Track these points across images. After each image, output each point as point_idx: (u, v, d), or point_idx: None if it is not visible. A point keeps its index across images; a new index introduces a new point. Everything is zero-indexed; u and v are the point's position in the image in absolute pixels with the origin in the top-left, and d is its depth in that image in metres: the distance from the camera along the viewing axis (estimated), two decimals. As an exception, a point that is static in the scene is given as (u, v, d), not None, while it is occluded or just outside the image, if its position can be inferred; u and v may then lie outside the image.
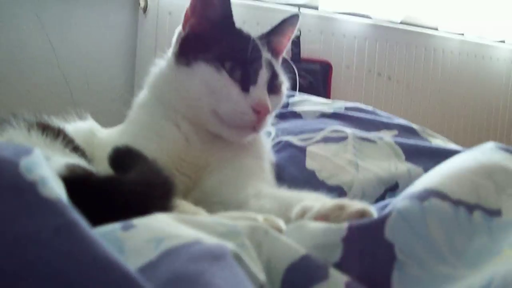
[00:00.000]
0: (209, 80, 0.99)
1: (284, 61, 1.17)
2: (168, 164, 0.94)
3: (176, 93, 1.04)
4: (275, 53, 1.11)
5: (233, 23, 1.06)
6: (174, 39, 1.08)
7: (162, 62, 1.10)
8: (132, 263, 0.45)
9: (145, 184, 0.69)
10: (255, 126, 1.00)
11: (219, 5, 1.03)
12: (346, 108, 1.50)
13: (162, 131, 1.02)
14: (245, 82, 0.99)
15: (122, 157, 0.81)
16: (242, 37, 1.05)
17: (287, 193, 0.89)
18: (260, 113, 0.98)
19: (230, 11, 1.05)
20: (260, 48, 1.04)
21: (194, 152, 1.02)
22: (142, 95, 1.12)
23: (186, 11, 1.05)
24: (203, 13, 1.03)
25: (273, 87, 1.05)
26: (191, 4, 1.04)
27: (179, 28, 1.07)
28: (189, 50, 1.03)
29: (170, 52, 1.09)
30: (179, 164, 1.00)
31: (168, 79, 1.06)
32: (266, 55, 1.05)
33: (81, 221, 0.42)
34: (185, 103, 1.03)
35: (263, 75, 1.01)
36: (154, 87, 1.10)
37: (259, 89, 1.00)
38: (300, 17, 1.15)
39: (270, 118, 1.05)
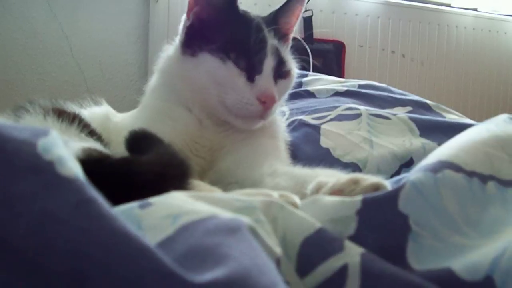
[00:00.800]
0: (215, 71, 0.98)
1: (297, 42, 1.16)
2: (182, 147, 0.95)
3: (183, 82, 1.04)
4: (283, 35, 1.09)
5: (237, 8, 1.04)
6: (180, 27, 1.07)
7: (170, 49, 1.10)
8: (150, 239, 0.46)
9: (161, 164, 0.70)
10: (262, 114, 0.99)
11: None
12: (360, 86, 1.50)
13: (175, 115, 1.03)
14: (250, 72, 0.98)
15: (139, 140, 0.81)
16: (247, 24, 1.02)
17: (302, 171, 0.89)
18: (265, 103, 0.97)
19: None
20: (265, 34, 1.02)
21: (207, 134, 1.02)
22: (153, 80, 1.13)
23: None
24: (206, 0, 1.02)
25: (281, 73, 1.04)
26: None
27: (184, 16, 1.06)
28: (194, 39, 1.02)
29: (177, 39, 1.08)
30: (193, 146, 1.00)
31: (175, 68, 1.06)
32: (272, 41, 1.03)
33: (99, 198, 0.43)
34: (193, 92, 1.03)
35: (269, 63, 1.00)
36: (162, 73, 1.10)
37: (265, 79, 0.99)
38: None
39: (277, 106, 1.04)
